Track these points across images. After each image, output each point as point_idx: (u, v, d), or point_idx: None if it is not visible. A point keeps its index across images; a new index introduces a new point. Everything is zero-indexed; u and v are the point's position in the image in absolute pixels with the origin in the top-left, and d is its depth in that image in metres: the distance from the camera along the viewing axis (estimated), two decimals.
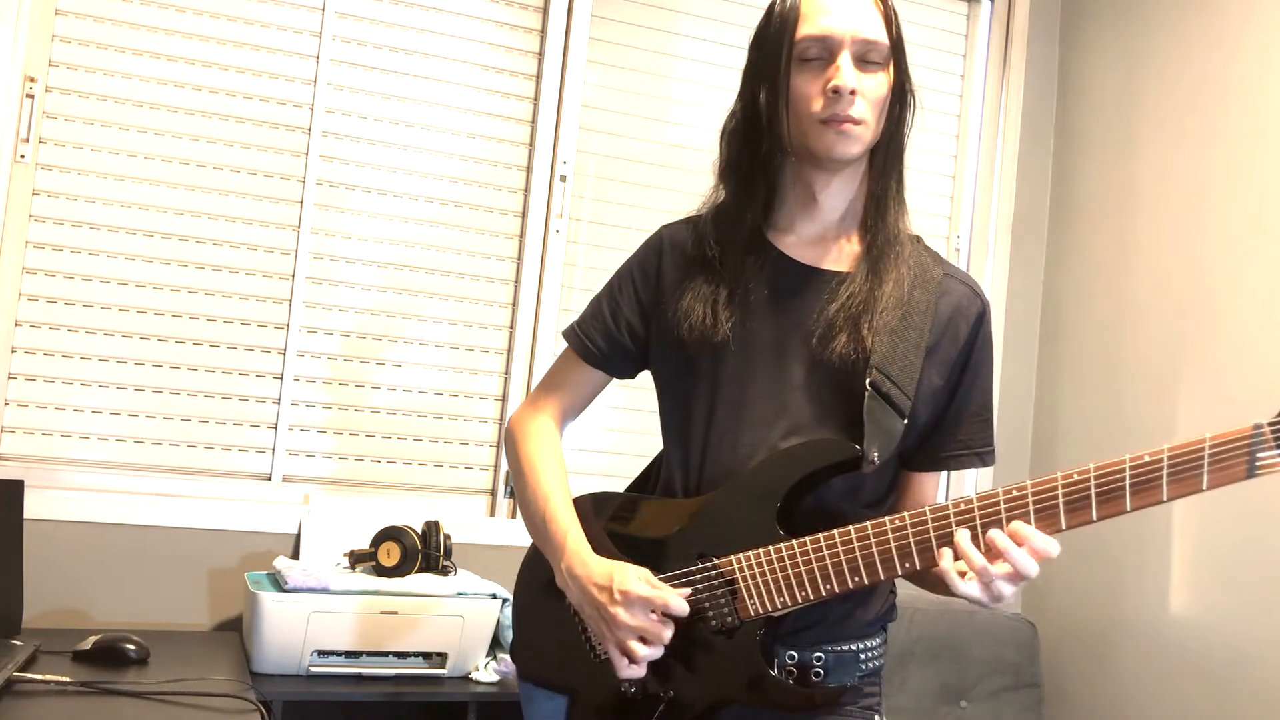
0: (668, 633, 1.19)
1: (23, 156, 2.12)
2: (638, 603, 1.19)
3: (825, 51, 1.23)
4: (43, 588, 2.06)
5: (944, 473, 1.35)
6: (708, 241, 1.32)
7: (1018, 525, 1.09)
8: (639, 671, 1.21)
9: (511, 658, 1.46)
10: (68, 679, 1.65)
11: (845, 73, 1.21)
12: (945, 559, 1.11)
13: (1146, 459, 1.05)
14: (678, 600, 1.19)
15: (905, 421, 1.23)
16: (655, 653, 1.20)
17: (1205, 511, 2.29)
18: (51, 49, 2.15)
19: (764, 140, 1.27)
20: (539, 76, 2.50)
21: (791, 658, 1.25)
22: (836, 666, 1.26)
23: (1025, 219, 2.85)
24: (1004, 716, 2.44)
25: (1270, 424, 1.02)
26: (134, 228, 2.20)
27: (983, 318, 1.31)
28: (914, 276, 1.28)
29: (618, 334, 1.39)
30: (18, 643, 1.79)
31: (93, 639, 1.82)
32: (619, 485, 2.36)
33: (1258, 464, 1.02)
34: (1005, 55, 2.86)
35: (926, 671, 2.42)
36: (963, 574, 1.11)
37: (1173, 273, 2.44)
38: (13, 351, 2.13)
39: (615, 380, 1.45)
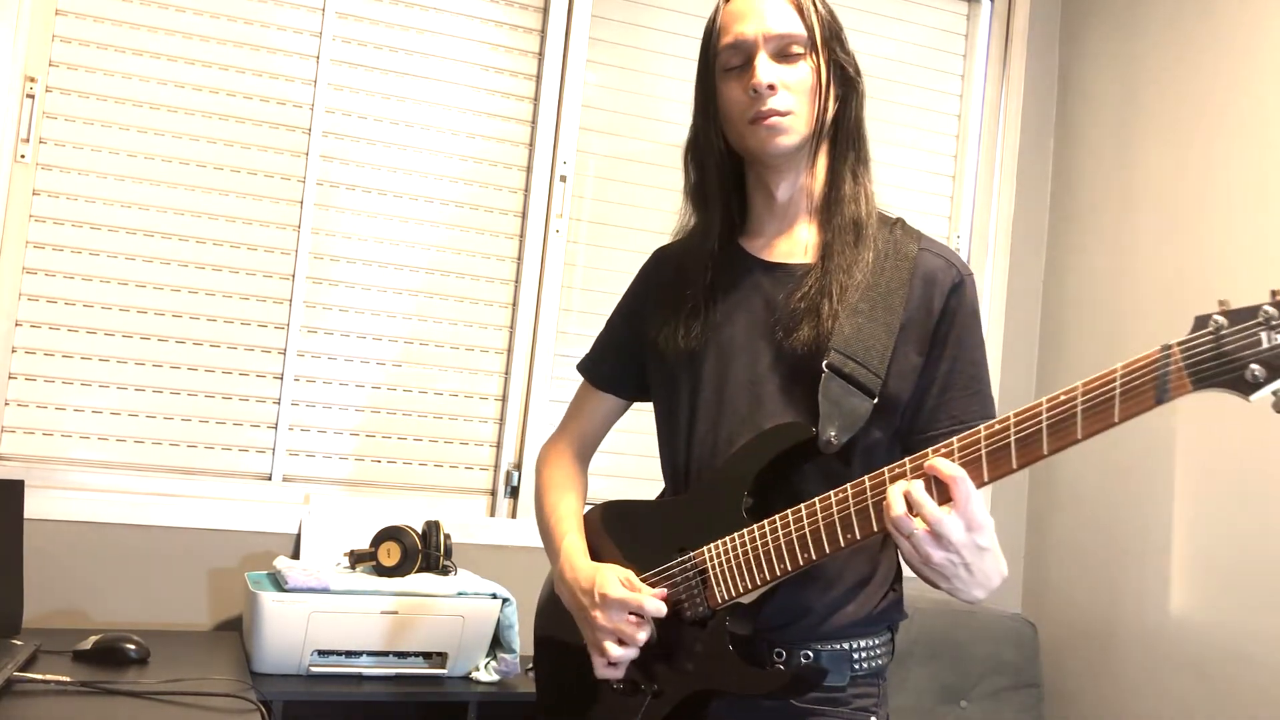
0: (642, 634, 1.23)
1: (23, 156, 2.12)
2: (614, 605, 1.24)
3: (743, 56, 1.29)
4: (43, 588, 2.06)
5: None
6: (681, 259, 1.40)
7: (931, 460, 1.07)
8: (616, 672, 1.26)
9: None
10: (68, 679, 1.65)
11: (760, 70, 1.26)
12: (887, 506, 1.08)
13: (1062, 398, 1.02)
14: (653, 602, 1.23)
15: (875, 400, 1.22)
16: (630, 653, 1.24)
17: (1205, 511, 2.29)
18: (51, 49, 2.15)
19: (711, 155, 1.35)
20: (539, 76, 2.50)
21: (779, 654, 1.26)
22: (827, 665, 1.26)
23: (1025, 219, 2.85)
24: (1004, 716, 2.44)
25: (1180, 343, 0.97)
26: (134, 228, 2.20)
27: (959, 288, 1.29)
28: (884, 256, 1.29)
29: (619, 357, 1.49)
30: (18, 643, 1.79)
31: (93, 639, 1.82)
32: (624, 484, 2.38)
33: (1167, 387, 0.97)
34: (1005, 55, 2.86)
35: (926, 671, 2.42)
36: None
37: (1173, 273, 2.44)
38: (13, 351, 2.13)
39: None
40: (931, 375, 1.28)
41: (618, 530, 1.37)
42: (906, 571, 1.35)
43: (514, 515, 2.43)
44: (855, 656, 1.28)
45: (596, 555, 1.34)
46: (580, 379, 1.55)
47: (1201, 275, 2.36)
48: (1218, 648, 2.23)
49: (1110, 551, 2.51)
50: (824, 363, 1.23)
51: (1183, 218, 2.44)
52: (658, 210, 2.52)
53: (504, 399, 2.46)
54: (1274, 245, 2.21)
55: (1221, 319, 0.96)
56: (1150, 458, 2.40)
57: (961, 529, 1.05)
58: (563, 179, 2.49)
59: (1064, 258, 2.80)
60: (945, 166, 2.84)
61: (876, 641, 1.31)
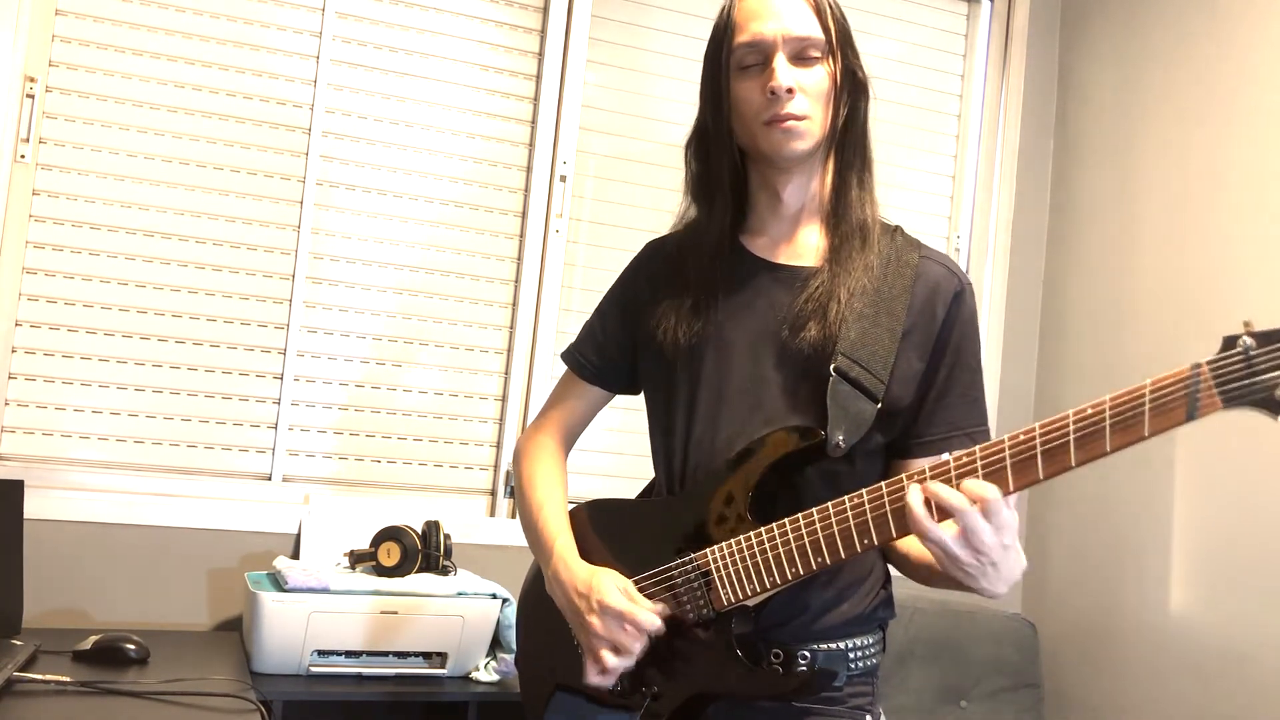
0: (639, 645, 1.22)
1: (23, 156, 2.12)
2: (612, 614, 1.22)
3: (761, 56, 1.28)
4: (43, 588, 2.06)
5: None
6: (681, 254, 1.38)
7: (966, 482, 1.07)
8: (607, 680, 1.24)
9: (517, 668, 1.47)
10: (68, 679, 1.65)
11: (780, 73, 1.25)
12: (911, 511, 1.08)
13: (1089, 411, 1.03)
14: (648, 616, 1.22)
15: (879, 406, 1.23)
16: (626, 663, 1.23)
17: (1205, 511, 2.29)
18: (51, 49, 2.15)
19: (720, 151, 1.33)
20: (539, 76, 2.50)
21: (777, 655, 1.25)
22: (824, 665, 1.26)
23: (1025, 219, 2.85)
24: (1004, 716, 2.44)
25: (1209, 363, 0.99)
26: (134, 228, 2.20)
27: (960, 297, 1.30)
28: (886, 263, 1.29)
29: (608, 349, 1.46)
30: (18, 643, 1.79)
31: (93, 639, 1.82)
32: (619, 484, 2.38)
33: (1198, 404, 1.01)
34: (1005, 55, 2.86)
35: (926, 671, 2.42)
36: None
37: (1173, 272, 2.44)
38: (13, 351, 2.13)
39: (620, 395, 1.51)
40: (931, 381, 1.29)
41: (608, 530, 1.35)
42: (895, 572, 1.35)
43: (514, 515, 2.43)
44: (851, 656, 1.28)
45: (586, 555, 1.32)
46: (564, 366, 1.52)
47: (1202, 274, 2.36)
48: (1218, 648, 2.23)
49: (1110, 551, 2.51)
50: (831, 366, 1.23)
51: (1183, 217, 2.44)
52: (658, 210, 2.52)
53: (504, 399, 2.46)
54: (1275, 244, 2.21)
55: (1250, 340, 0.97)
56: (1150, 458, 2.40)
57: (990, 533, 1.05)
58: (562, 179, 2.49)
59: (1064, 258, 2.80)
60: (945, 166, 2.84)
61: (869, 640, 1.31)
